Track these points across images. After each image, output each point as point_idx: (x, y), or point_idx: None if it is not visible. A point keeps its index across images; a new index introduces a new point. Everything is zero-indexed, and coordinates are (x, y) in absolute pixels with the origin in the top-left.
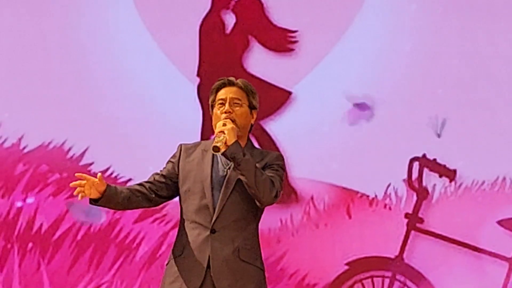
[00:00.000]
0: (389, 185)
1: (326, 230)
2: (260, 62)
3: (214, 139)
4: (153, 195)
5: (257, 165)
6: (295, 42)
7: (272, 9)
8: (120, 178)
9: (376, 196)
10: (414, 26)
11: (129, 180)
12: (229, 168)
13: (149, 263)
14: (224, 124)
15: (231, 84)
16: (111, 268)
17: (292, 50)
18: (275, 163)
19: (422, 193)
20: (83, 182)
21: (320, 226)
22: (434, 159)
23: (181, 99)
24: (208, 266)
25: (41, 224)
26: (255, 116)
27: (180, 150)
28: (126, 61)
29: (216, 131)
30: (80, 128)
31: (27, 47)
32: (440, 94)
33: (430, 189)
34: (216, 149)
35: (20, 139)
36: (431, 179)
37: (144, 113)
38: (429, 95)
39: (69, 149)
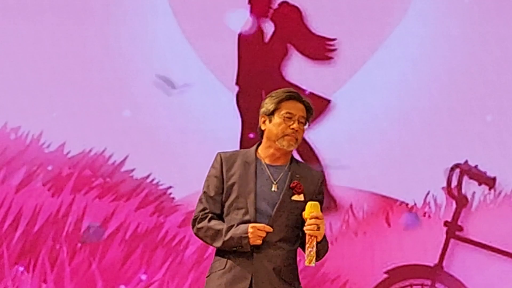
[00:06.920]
0: (428, 193)
1: (365, 238)
2: (299, 70)
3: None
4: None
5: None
6: (334, 50)
7: (310, 18)
8: (160, 185)
9: (415, 204)
10: (453, 35)
11: (169, 187)
12: (277, 185)
13: (197, 263)
14: (318, 228)
15: (299, 100)
16: (162, 267)
17: (331, 58)
18: (322, 188)
19: (462, 201)
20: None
21: (359, 235)
22: (473, 167)
23: (220, 107)
24: (250, 283)
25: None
26: None
27: (221, 161)
28: (165, 70)
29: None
30: (119, 136)
31: (66, 57)
32: (478, 102)
33: (469, 197)
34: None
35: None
36: (470, 187)
37: (183, 122)
38: (467, 104)
39: (110, 157)
